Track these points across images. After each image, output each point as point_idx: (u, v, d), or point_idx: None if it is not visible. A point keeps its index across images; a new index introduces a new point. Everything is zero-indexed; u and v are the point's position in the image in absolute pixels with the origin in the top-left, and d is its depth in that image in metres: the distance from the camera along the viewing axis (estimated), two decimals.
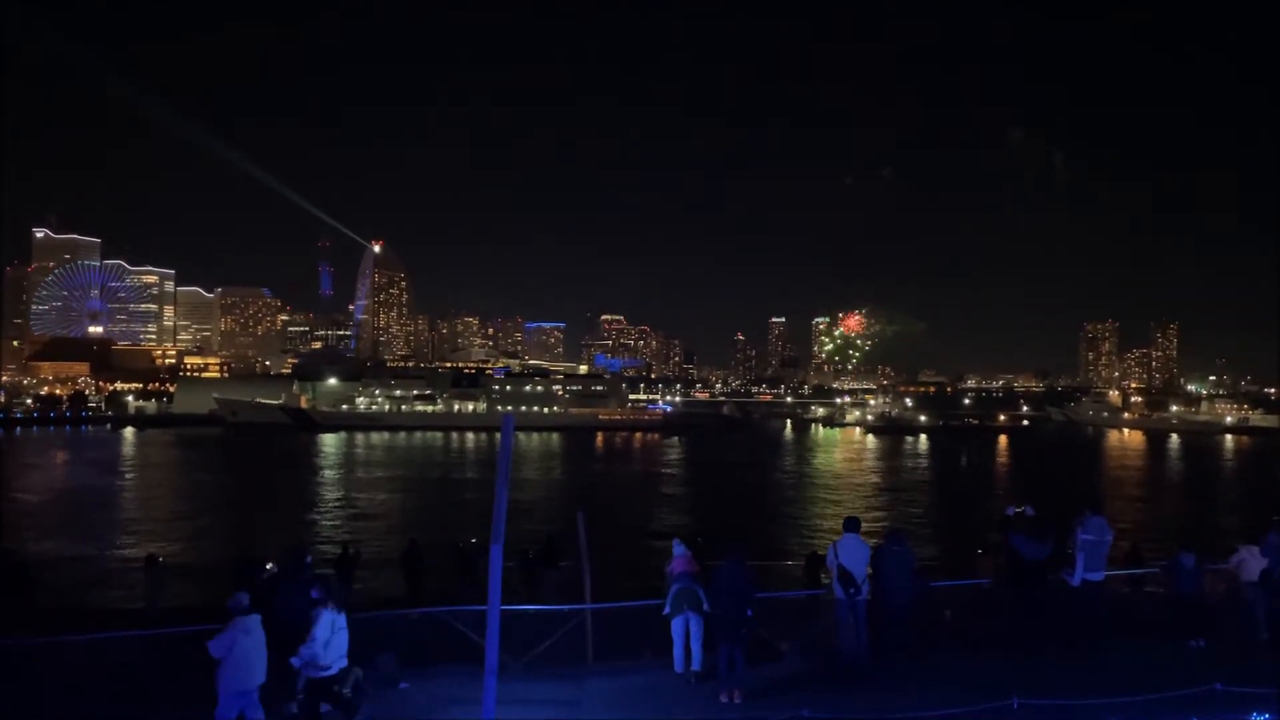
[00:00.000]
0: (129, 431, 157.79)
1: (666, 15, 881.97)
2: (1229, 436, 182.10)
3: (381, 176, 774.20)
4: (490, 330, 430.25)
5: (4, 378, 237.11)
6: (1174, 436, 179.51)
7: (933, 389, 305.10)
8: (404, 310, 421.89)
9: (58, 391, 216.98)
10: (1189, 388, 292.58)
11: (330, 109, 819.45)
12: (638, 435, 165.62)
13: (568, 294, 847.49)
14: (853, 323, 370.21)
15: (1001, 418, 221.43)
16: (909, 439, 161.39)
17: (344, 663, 11.08)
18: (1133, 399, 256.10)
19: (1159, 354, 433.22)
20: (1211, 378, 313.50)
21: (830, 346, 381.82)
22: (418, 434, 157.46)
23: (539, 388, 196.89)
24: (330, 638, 10.93)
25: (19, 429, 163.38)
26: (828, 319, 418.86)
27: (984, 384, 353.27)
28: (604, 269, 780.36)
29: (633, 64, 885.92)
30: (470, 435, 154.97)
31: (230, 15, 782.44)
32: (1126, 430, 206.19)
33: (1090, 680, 12.14)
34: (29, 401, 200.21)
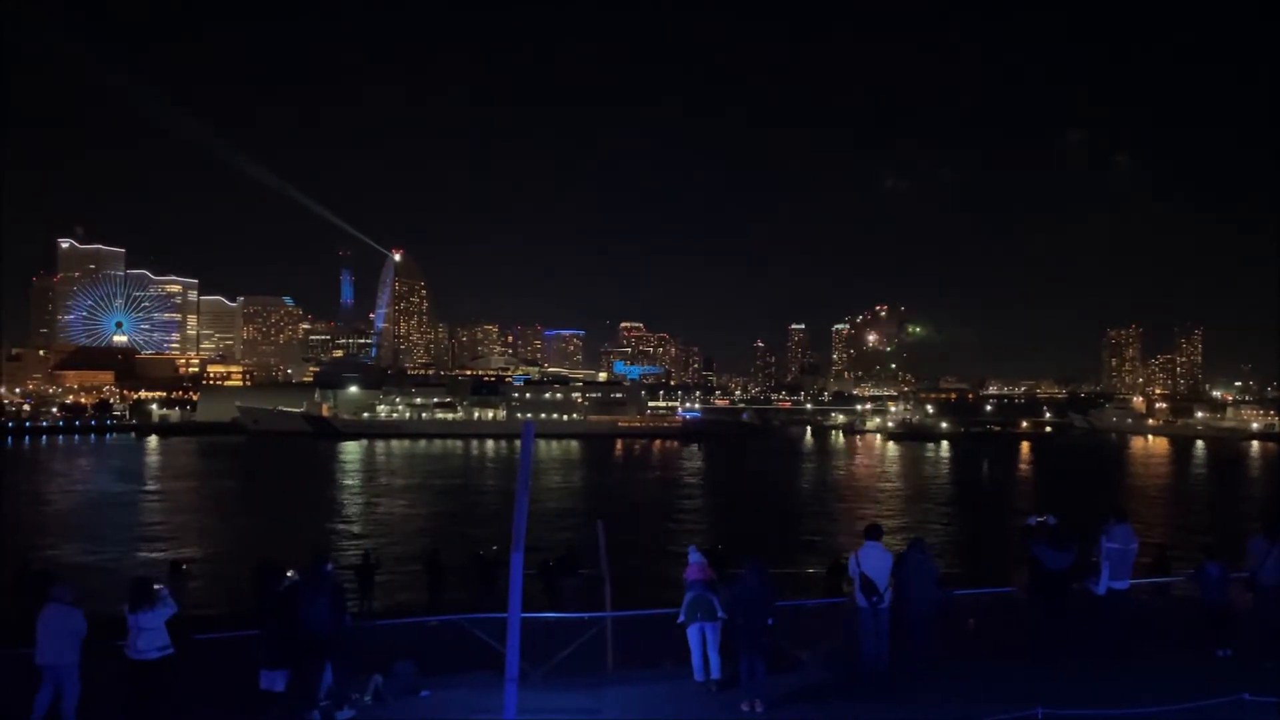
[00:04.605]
0: (153, 440, 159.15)
1: (690, 16, 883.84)
2: (1255, 443, 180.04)
3: (401, 185, 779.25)
4: (509, 338, 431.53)
5: (30, 387, 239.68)
6: (1199, 443, 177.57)
7: (954, 396, 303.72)
8: (424, 318, 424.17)
9: (83, 400, 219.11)
10: (1214, 393, 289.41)
11: (349, 118, 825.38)
12: (657, 443, 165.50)
13: (587, 302, 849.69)
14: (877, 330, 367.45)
15: (1024, 424, 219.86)
16: (930, 446, 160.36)
17: None
18: (1157, 405, 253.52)
19: (1183, 360, 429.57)
20: (1237, 383, 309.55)
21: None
22: (438, 441, 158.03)
23: (558, 395, 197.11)
24: None
25: (45, 437, 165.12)
26: (848, 325, 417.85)
27: (1006, 390, 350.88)
28: (623, 277, 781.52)
29: (654, 67, 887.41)
30: (490, 443, 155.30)
31: (249, 22, 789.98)
32: (1151, 437, 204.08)
33: (1116, 690, 12.01)
34: (55, 410, 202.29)
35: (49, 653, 11.42)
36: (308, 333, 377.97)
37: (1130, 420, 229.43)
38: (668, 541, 47.06)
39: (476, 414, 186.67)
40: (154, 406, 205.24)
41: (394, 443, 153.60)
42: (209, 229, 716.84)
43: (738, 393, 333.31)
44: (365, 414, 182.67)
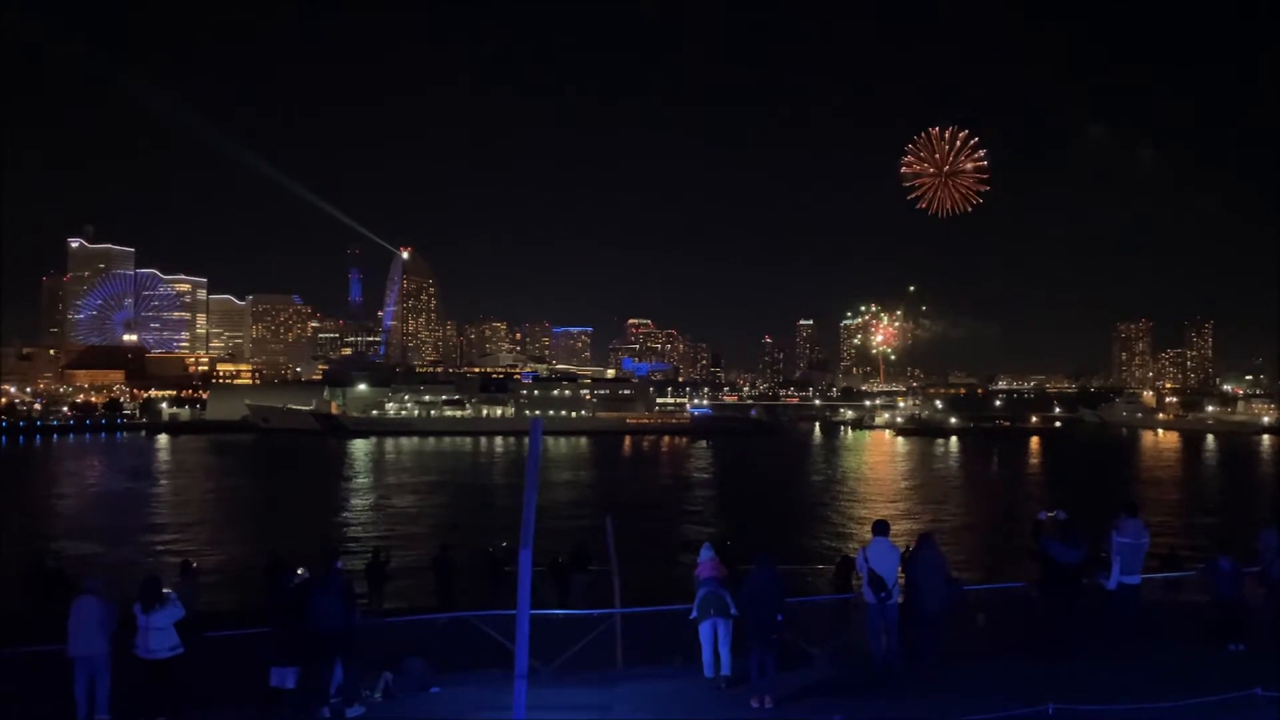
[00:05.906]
0: (163, 438, 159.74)
1: (699, 11, 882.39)
2: (1266, 436, 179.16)
3: (409, 184, 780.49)
4: (518, 335, 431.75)
5: (41, 386, 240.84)
6: (1210, 437, 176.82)
7: (963, 391, 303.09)
8: (432, 316, 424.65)
9: (93, 399, 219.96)
10: (1224, 387, 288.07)
11: (356, 116, 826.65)
12: (665, 439, 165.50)
13: (595, 298, 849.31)
14: (888, 334, 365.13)
15: (1033, 419, 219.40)
16: (939, 441, 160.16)
17: None
18: (1167, 399, 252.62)
19: (1194, 354, 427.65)
20: (1248, 377, 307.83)
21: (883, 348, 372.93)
22: (446, 439, 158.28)
23: (567, 392, 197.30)
24: None
25: (56, 436, 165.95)
26: (857, 319, 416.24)
27: (1015, 385, 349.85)
28: (631, 273, 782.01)
29: (662, 62, 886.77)
30: (499, 440, 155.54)
31: (259, 21, 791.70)
32: (1161, 431, 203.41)
33: (1127, 685, 11.97)
34: (65, 409, 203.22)
35: (81, 644, 11.55)
36: (316, 331, 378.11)
37: (1140, 415, 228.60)
38: (677, 538, 47.02)
39: (485, 411, 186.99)
40: (164, 405, 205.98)
41: (403, 440, 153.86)
42: (218, 228, 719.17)
43: (746, 389, 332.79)
44: (374, 411, 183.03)
